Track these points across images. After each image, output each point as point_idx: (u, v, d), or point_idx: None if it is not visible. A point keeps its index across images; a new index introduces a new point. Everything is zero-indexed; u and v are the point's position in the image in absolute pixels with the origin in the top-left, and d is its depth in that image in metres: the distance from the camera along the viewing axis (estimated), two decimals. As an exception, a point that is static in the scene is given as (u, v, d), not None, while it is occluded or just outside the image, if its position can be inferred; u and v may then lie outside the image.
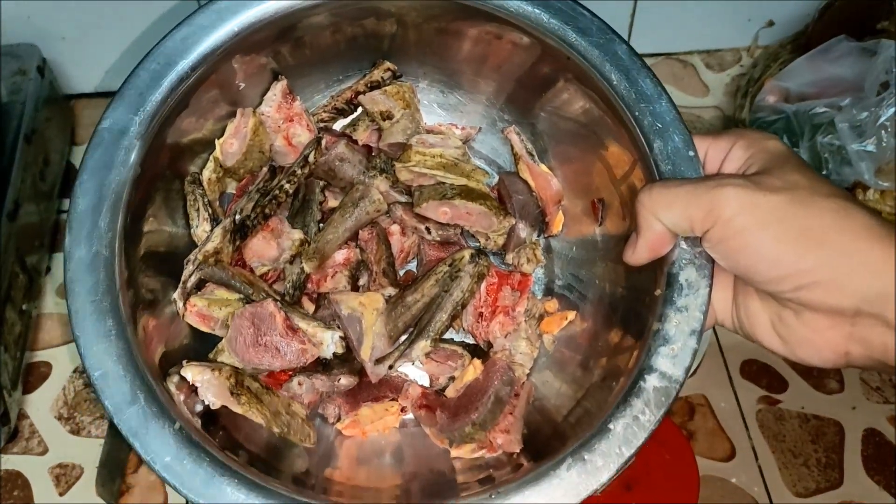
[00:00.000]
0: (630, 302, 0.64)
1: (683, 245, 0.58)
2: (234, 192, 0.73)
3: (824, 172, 0.84)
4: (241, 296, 0.67)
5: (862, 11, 0.91)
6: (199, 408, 0.61)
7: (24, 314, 0.78)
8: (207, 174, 0.70)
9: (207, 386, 0.61)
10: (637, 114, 0.63)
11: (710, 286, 0.57)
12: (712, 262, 0.57)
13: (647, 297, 0.60)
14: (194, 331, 0.68)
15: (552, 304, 0.71)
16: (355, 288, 0.70)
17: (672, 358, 0.57)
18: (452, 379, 0.69)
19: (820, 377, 0.84)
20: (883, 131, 0.79)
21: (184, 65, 0.64)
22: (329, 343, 0.66)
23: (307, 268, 0.68)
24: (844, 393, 0.83)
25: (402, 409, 0.69)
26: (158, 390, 0.58)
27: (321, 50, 0.72)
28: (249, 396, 0.63)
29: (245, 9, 0.65)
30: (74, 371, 0.81)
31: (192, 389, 0.61)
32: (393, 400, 0.69)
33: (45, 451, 0.77)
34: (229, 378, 0.62)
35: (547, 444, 0.62)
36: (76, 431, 0.78)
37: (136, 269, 0.62)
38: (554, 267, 0.74)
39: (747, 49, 1.06)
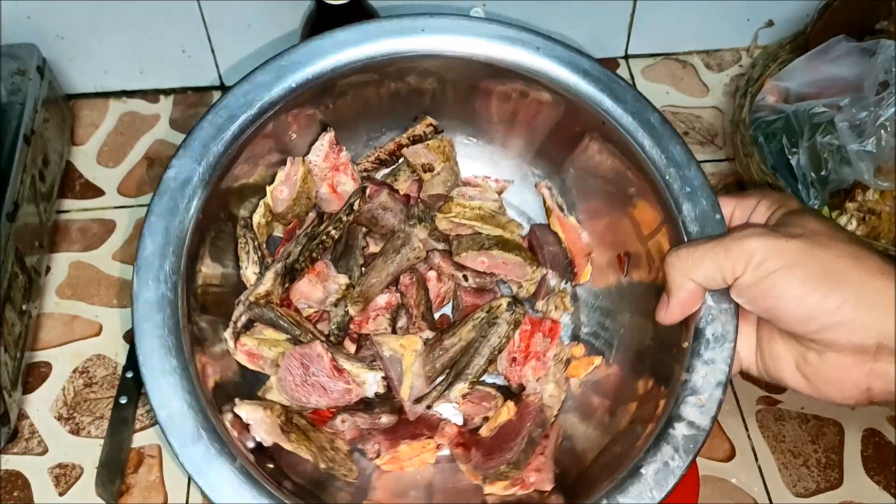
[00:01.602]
0: (657, 352, 0.67)
1: (710, 301, 0.61)
2: (280, 234, 0.75)
3: (823, 172, 0.83)
4: (289, 336, 0.69)
5: (861, 11, 0.89)
6: (250, 444, 0.63)
7: (23, 314, 0.77)
8: (257, 218, 0.72)
9: (260, 424, 0.64)
10: (668, 178, 0.66)
11: (735, 340, 0.60)
12: (737, 317, 0.61)
13: (674, 348, 0.63)
14: (242, 366, 0.70)
15: (579, 350, 0.75)
16: (394, 329, 0.73)
17: (699, 408, 0.60)
18: (486, 419, 0.71)
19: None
20: (882, 131, 0.78)
21: (244, 118, 0.66)
22: (372, 383, 0.69)
23: (352, 311, 0.71)
24: (844, 393, 0.83)
25: (438, 446, 0.72)
26: (219, 427, 0.60)
27: (366, 105, 0.75)
28: (298, 434, 0.66)
29: (301, 68, 0.68)
30: (74, 371, 0.80)
31: (245, 426, 0.63)
32: (429, 438, 0.71)
33: (44, 452, 0.76)
34: (280, 416, 0.65)
35: (576, 483, 0.65)
36: (76, 431, 0.77)
37: (192, 309, 0.64)
38: (580, 314, 0.77)
39: (747, 49, 1.05)
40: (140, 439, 0.78)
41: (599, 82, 0.69)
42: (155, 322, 0.60)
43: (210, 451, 0.58)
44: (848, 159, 0.81)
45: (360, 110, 0.75)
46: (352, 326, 0.73)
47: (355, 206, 0.73)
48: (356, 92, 0.73)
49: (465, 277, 0.73)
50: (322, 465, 0.66)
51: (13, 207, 0.76)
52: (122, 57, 0.94)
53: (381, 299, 0.73)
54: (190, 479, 0.67)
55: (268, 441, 0.63)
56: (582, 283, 0.77)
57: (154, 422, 0.75)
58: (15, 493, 0.74)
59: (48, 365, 0.81)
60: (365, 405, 0.70)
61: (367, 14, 0.83)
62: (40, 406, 0.78)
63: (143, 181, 0.92)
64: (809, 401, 0.79)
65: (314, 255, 0.71)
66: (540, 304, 0.76)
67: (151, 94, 0.98)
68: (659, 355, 0.66)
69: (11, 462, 0.75)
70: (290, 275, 0.70)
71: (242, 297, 0.70)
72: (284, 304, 0.72)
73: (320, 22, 0.82)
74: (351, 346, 0.73)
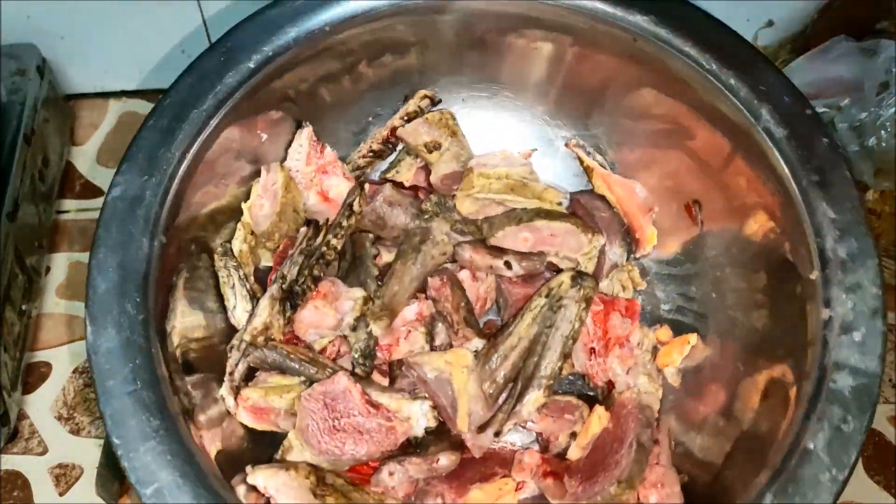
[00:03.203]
0: (772, 302, 0.52)
1: (830, 213, 0.48)
2: (270, 264, 0.59)
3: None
4: (303, 378, 0.53)
5: (862, 11, 0.86)
6: (277, 519, 0.47)
7: (23, 314, 0.76)
8: (238, 245, 0.57)
9: (284, 490, 0.48)
10: (733, 82, 0.53)
11: (879, 253, 0.47)
12: (868, 224, 0.48)
13: (797, 286, 0.49)
14: (253, 432, 0.54)
15: (664, 333, 0.59)
16: (433, 348, 0.56)
17: (860, 347, 0.45)
18: (573, 436, 0.54)
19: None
20: (883, 131, 0.74)
21: (196, 115, 0.52)
22: (419, 416, 0.53)
23: (376, 329, 0.55)
24: (845, 393, 0.75)
25: (518, 486, 0.55)
26: (229, 499, 0.44)
27: (345, 91, 0.61)
28: (337, 497, 0.49)
29: (253, 47, 0.54)
30: (74, 371, 0.78)
31: (265, 499, 0.48)
32: (506, 476, 0.54)
33: (44, 452, 0.74)
34: (308, 476, 0.49)
35: (714, 489, 0.49)
36: (76, 431, 0.75)
37: (170, 365, 0.49)
38: (654, 290, 0.62)
39: (746, 49, 1.00)
40: (140, 440, 0.72)
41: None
42: (123, 376, 0.45)
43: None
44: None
45: (338, 97, 0.61)
46: (380, 354, 0.56)
47: (355, 207, 0.57)
48: (328, 73, 0.59)
49: (508, 264, 0.57)
50: (376, 535, 0.48)
51: (13, 207, 0.75)
52: (122, 57, 0.92)
53: (410, 311, 0.57)
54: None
55: None
56: (647, 252, 0.61)
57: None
58: (15, 493, 0.73)
59: (48, 365, 0.79)
60: (415, 447, 0.53)
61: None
62: (40, 406, 0.77)
63: (143, 181, 0.88)
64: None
65: (316, 272, 0.55)
66: (604, 285, 0.59)
67: (151, 94, 0.96)
68: (777, 304, 0.52)
69: (11, 462, 0.74)
70: (291, 300, 0.54)
71: (235, 341, 0.54)
72: (290, 341, 0.55)
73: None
74: (383, 381, 0.56)
